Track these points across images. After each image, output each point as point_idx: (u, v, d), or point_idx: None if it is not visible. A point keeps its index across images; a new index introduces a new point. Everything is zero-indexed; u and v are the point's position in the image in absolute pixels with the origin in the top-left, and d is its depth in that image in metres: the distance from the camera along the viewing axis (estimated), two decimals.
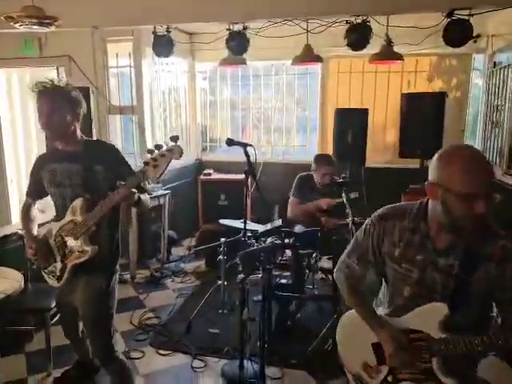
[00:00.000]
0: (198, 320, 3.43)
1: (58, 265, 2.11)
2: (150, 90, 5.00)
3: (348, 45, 3.62)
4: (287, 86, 5.87)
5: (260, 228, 2.72)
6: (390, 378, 1.51)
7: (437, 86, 5.35)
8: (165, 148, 1.78)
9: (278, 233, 2.50)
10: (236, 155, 5.01)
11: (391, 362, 1.48)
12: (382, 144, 5.51)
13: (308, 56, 4.51)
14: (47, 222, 2.26)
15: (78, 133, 2.11)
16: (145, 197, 2.11)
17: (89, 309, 2.15)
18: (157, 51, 4.26)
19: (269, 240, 2.40)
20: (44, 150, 2.61)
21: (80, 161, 2.05)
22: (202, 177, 5.47)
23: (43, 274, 2.20)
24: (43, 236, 2.17)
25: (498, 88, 4.61)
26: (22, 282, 2.34)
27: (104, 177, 2.06)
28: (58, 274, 2.11)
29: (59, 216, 2.13)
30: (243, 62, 4.67)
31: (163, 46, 4.19)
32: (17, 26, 3.11)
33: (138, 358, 3.02)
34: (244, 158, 2.61)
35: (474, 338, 1.32)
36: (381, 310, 1.63)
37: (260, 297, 3.14)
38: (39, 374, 2.79)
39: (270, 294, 2.50)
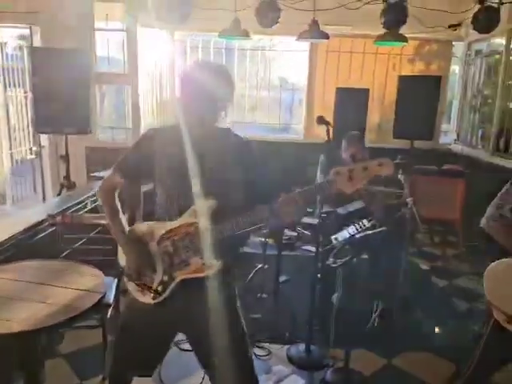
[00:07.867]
0: None
1: (158, 276, 1.64)
2: (141, 59, 4.55)
3: (384, 23, 3.60)
4: (273, 62, 5.72)
5: (341, 211, 2.63)
6: None
7: (418, 69, 5.60)
8: (375, 161, 1.48)
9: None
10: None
11: None
12: (377, 124, 5.68)
13: (315, 33, 4.43)
14: None
15: (217, 124, 1.64)
16: None
17: (229, 331, 1.66)
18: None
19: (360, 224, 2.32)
20: None
21: (216, 151, 1.63)
22: None
23: (129, 285, 1.71)
24: (142, 237, 1.67)
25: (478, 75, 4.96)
26: (103, 277, 2.00)
27: (237, 178, 1.63)
28: (157, 288, 1.63)
29: (168, 214, 1.65)
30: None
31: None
32: None
33: (190, 350, 2.81)
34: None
35: None
36: None
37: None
38: None
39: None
